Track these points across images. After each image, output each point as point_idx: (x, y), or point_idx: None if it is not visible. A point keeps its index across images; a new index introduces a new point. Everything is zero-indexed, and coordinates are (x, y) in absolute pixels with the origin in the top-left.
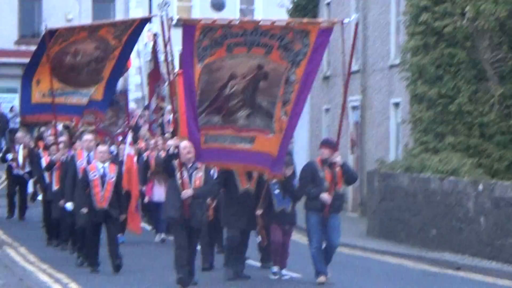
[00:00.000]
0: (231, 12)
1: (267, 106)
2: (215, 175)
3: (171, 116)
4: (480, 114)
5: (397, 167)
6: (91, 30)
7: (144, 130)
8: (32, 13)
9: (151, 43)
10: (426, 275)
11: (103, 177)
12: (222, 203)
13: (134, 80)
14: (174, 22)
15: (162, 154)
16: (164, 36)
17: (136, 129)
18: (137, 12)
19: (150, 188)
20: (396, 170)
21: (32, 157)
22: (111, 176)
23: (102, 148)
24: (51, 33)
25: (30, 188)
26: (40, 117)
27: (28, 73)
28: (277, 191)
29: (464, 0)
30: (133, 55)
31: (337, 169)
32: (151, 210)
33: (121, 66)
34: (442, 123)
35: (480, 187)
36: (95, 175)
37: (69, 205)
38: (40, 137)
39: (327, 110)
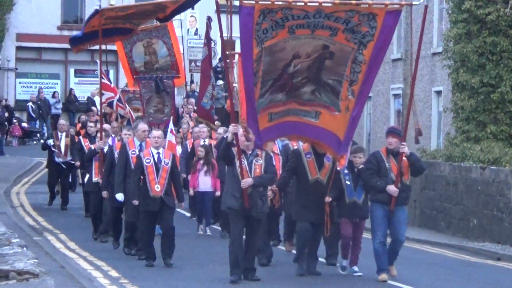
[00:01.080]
0: None
1: (333, 83)
2: (274, 163)
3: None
4: None
5: (439, 156)
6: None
7: (186, 119)
8: None
9: (194, 29)
10: (466, 265)
11: (157, 163)
12: (293, 194)
13: None
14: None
15: (210, 142)
16: (219, 19)
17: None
18: None
19: (196, 178)
20: (438, 159)
21: (74, 145)
22: (166, 162)
23: (156, 133)
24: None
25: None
26: (88, 44)
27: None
28: (348, 182)
29: None
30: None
31: (404, 159)
32: (196, 201)
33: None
34: (484, 112)
35: None
36: (149, 162)
37: (119, 196)
38: (83, 125)
39: (369, 97)
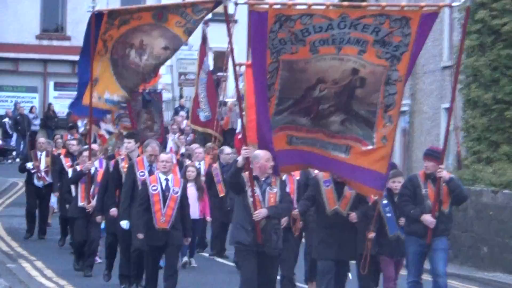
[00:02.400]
0: None
1: (367, 115)
2: (289, 185)
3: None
4: None
5: None
6: (157, 14)
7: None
8: (55, 4)
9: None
10: None
11: (165, 191)
12: (312, 228)
13: (164, 80)
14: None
15: (211, 163)
16: (228, 24)
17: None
18: None
19: None
20: None
21: (56, 165)
22: (176, 190)
23: (164, 156)
24: (99, 17)
25: (53, 201)
26: (92, 121)
27: (83, 64)
28: (389, 214)
29: None
30: None
31: (443, 185)
32: None
33: None
34: (497, 131)
35: None
36: (155, 189)
37: (124, 223)
38: (64, 143)
39: None
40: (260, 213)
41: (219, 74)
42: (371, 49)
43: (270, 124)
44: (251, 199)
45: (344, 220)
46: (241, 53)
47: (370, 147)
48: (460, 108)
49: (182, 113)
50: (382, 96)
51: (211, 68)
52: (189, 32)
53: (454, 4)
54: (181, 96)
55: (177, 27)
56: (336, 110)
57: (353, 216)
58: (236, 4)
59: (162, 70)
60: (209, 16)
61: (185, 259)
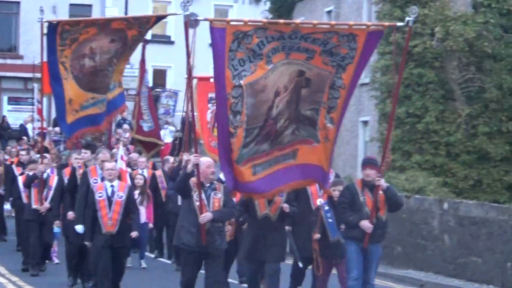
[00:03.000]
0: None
1: (311, 114)
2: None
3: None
4: (447, 133)
5: None
6: (102, 26)
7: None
8: (9, 26)
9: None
10: None
11: (110, 197)
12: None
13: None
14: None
15: (149, 172)
16: (187, 39)
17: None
18: (113, 11)
19: None
20: None
21: (9, 174)
22: (120, 195)
23: (109, 164)
24: (53, 28)
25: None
26: (82, 133)
27: (57, 89)
28: (330, 220)
29: (434, 21)
30: None
31: (380, 193)
32: None
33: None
34: (410, 141)
35: (445, 205)
36: (101, 196)
37: (79, 228)
38: (17, 153)
39: None
40: (205, 216)
41: (157, 90)
42: (318, 57)
43: (229, 145)
44: (197, 203)
45: (272, 225)
46: (179, 71)
47: (315, 144)
48: (376, 122)
49: (125, 125)
50: (327, 97)
51: (150, 84)
52: (129, 27)
53: (398, 24)
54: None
55: (120, 25)
56: (289, 123)
57: (316, 235)
58: (196, 20)
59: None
60: (148, 36)
61: (143, 263)
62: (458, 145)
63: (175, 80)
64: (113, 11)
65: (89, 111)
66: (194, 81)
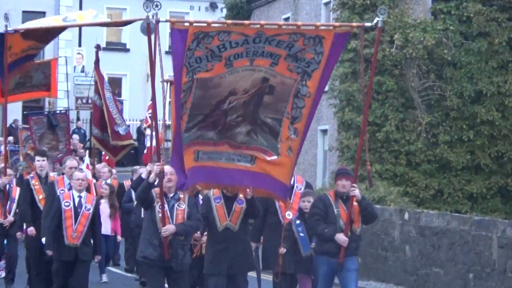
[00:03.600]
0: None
1: (272, 123)
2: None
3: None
4: (407, 142)
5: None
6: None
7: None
8: None
9: (80, 66)
10: None
11: (77, 208)
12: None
13: (62, 104)
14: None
15: (113, 182)
16: (149, 41)
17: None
18: None
19: None
20: None
21: None
22: (88, 207)
23: (79, 174)
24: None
25: None
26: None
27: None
28: (302, 234)
29: (393, 28)
30: (61, 77)
31: (354, 204)
32: None
33: None
34: (369, 151)
35: (406, 215)
36: (68, 205)
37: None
38: None
39: None
40: (168, 229)
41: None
42: (283, 62)
43: (181, 143)
44: (159, 215)
45: (235, 235)
46: (134, 78)
47: (274, 157)
48: (335, 130)
49: (75, 136)
50: (290, 107)
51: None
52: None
53: (366, 24)
54: (78, 119)
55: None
56: (243, 120)
57: (282, 249)
58: (157, 22)
59: (60, 94)
60: (103, 44)
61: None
62: (419, 154)
63: (131, 88)
64: None
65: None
66: (164, 85)
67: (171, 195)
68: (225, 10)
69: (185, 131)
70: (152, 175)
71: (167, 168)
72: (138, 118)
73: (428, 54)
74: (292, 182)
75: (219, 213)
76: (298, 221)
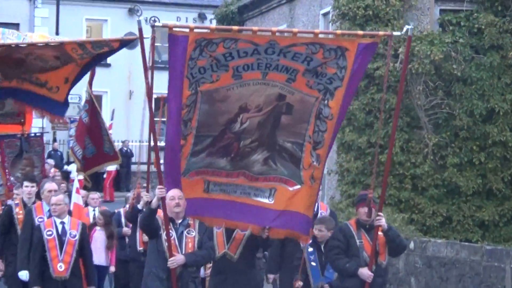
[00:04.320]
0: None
1: (292, 148)
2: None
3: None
4: (413, 165)
5: None
6: (52, 46)
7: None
8: None
9: None
10: None
11: (61, 236)
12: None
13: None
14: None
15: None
16: (143, 50)
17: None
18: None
19: None
20: None
21: None
22: (73, 234)
23: (54, 198)
24: None
25: None
26: None
27: None
28: (314, 263)
29: (398, 41)
30: None
31: (380, 234)
32: None
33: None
34: (372, 174)
35: (412, 245)
36: (50, 234)
37: (23, 274)
38: None
39: None
40: (176, 260)
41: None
42: (301, 78)
43: (179, 164)
44: (166, 244)
45: (234, 265)
46: (116, 96)
47: (298, 186)
48: (335, 152)
49: (50, 160)
50: (312, 130)
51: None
52: (82, 59)
53: (395, 33)
54: (54, 140)
55: (72, 52)
56: (258, 146)
57: (297, 283)
58: (152, 26)
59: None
60: None
61: None
62: (425, 178)
63: (112, 106)
64: (43, 30)
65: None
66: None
67: (179, 221)
68: (214, 21)
69: (192, 155)
70: (155, 200)
71: (175, 192)
72: (120, 139)
73: (436, 69)
74: (315, 209)
75: (218, 240)
76: (310, 249)
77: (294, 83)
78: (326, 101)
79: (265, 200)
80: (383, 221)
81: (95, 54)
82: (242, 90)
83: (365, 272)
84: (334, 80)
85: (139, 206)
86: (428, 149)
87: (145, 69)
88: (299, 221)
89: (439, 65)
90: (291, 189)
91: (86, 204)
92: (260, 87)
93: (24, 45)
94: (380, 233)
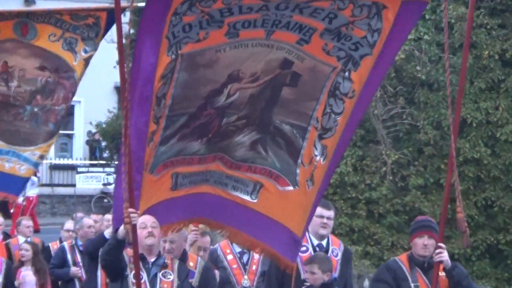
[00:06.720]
0: None
1: (291, 133)
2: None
3: None
4: (368, 187)
5: None
6: (20, 25)
7: None
8: None
9: None
10: None
11: None
12: None
13: None
14: None
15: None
16: (117, 15)
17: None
18: None
19: None
20: None
21: None
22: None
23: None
24: None
25: None
26: None
27: None
28: None
29: None
30: None
31: (441, 275)
32: None
33: None
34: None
35: (366, 283)
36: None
37: None
38: None
39: None
40: None
41: None
42: (318, 40)
43: (147, 157)
44: None
45: None
46: None
47: (289, 188)
48: None
49: None
50: (322, 111)
51: None
52: (69, 45)
53: None
54: None
55: (51, 43)
56: (246, 124)
57: None
58: None
59: None
60: None
61: None
62: (383, 202)
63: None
64: None
65: None
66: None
67: (152, 259)
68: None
69: (161, 143)
70: (122, 229)
71: (146, 218)
72: None
73: (396, 72)
74: (325, 244)
75: (233, 271)
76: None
77: (307, 45)
78: (347, 73)
79: (246, 197)
80: (445, 256)
81: (79, 33)
82: (236, 52)
83: None
84: (361, 46)
85: (106, 235)
86: (386, 168)
87: (121, 49)
88: (282, 239)
89: (400, 67)
90: (280, 188)
91: (8, 236)
92: (260, 50)
93: None
94: (441, 273)
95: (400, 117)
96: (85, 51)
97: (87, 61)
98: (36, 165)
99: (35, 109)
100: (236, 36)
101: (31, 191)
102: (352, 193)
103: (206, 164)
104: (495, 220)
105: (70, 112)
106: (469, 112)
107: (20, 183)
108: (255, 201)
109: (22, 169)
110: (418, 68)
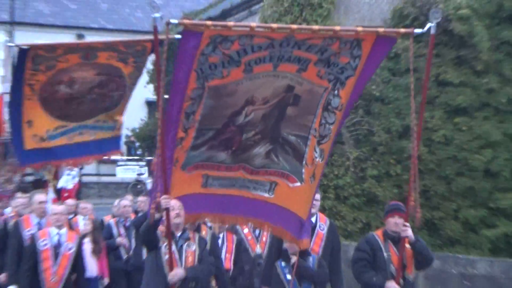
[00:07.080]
0: None
1: (296, 142)
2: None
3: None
4: (336, 176)
5: None
6: (84, 55)
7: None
8: None
9: None
10: None
11: (57, 247)
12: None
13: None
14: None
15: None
16: (155, 46)
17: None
18: None
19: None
20: None
21: None
22: (69, 247)
23: (57, 207)
24: (23, 52)
25: None
26: (42, 165)
27: (13, 110)
28: (289, 276)
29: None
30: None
31: (407, 246)
32: None
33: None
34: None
35: None
36: (45, 245)
37: None
38: None
39: None
40: (176, 274)
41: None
42: (313, 68)
43: (177, 157)
44: (166, 257)
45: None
46: None
47: (297, 184)
48: None
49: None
50: (318, 123)
51: None
52: (122, 60)
53: (416, 30)
54: None
55: (109, 59)
56: (261, 139)
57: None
58: (168, 24)
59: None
60: None
61: None
62: (347, 188)
63: None
64: None
65: (56, 141)
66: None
67: (179, 233)
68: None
69: (192, 148)
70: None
71: (174, 202)
72: None
73: None
74: (314, 221)
75: (249, 241)
76: (283, 263)
77: (304, 72)
78: (336, 91)
79: (265, 194)
80: (409, 232)
81: (130, 56)
82: (251, 83)
83: (392, 286)
84: (346, 70)
85: (156, 215)
86: (349, 162)
87: (158, 72)
88: (292, 222)
89: None
90: (291, 185)
91: (75, 214)
92: (269, 79)
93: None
94: (407, 245)
95: (360, 124)
96: (135, 62)
97: (136, 67)
98: (109, 128)
99: (94, 96)
100: (251, 71)
101: (70, 183)
102: (324, 180)
103: (232, 171)
104: (431, 201)
105: None
106: (411, 120)
107: (108, 143)
108: (272, 196)
109: (95, 134)
110: (373, 87)
